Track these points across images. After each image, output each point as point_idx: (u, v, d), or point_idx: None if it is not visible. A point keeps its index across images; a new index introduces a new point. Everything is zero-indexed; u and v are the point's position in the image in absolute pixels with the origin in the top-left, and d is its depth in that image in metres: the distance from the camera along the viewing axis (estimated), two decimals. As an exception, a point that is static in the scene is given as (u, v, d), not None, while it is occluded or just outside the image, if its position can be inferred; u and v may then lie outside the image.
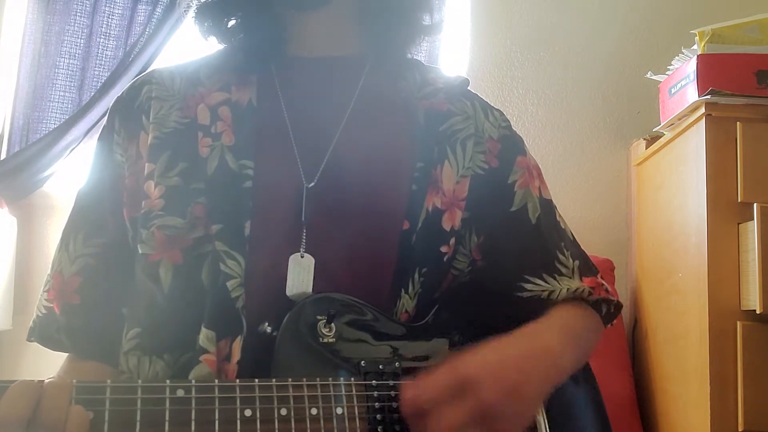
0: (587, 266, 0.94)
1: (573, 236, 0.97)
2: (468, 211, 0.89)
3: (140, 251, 0.82)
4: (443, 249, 0.87)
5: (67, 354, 0.89)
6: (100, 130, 0.92)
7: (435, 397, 0.71)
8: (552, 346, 0.81)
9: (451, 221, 0.87)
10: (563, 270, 0.91)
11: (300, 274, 0.79)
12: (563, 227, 0.96)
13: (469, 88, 0.98)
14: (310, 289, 0.78)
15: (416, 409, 0.71)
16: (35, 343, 0.89)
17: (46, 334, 0.87)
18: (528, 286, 0.89)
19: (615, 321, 0.98)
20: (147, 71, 0.93)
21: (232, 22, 0.92)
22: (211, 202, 0.80)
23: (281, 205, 0.83)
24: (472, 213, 0.90)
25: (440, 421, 0.70)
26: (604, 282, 0.94)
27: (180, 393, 0.65)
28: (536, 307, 0.89)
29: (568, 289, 0.89)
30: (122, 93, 0.92)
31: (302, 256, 0.80)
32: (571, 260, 0.92)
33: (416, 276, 0.84)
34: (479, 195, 0.90)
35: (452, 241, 0.88)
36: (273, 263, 0.80)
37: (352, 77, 0.92)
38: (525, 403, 0.75)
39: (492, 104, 0.98)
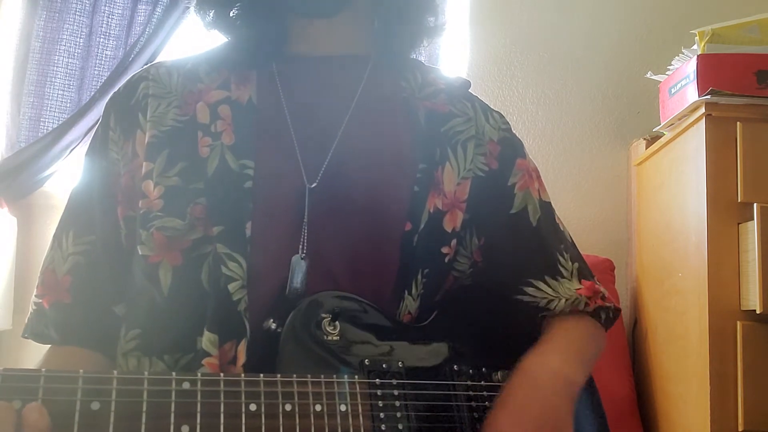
0: (586, 270, 0.95)
1: (571, 239, 0.97)
2: (468, 213, 0.89)
3: (140, 252, 0.81)
4: (444, 250, 0.87)
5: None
6: (95, 127, 0.90)
7: None
8: (562, 371, 0.82)
9: (453, 222, 0.87)
10: (564, 272, 0.91)
11: (299, 275, 0.78)
12: (562, 229, 0.96)
13: (469, 89, 0.98)
14: (304, 290, 0.77)
15: None
16: (35, 342, 0.88)
17: (37, 330, 0.86)
18: (530, 290, 0.89)
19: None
20: (144, 67, 0.91)
21: (234, 13, 0.90)
22: (212, 203, 0.79)
23: (282, 205, 0.81)
24: (473, 215, 0.89)
25: None
26: (601, 288, 0.94)
27: (186, 386, 0.64)
28: (533, 313, 0.90)
29: (566, 300, 0.89)
30: (118, 89, 0.90)
31: (302, 257, 0.78)
32: (570, 263, 0.92)
33: (419, 277, 0.84)
34: (479, 197, 0.90)
35: (453, 242, 0.88)
36: (275, 264, 0.79)
37: (355, 76, 0.90)
38: None
39: (492, 104, 0.98)
